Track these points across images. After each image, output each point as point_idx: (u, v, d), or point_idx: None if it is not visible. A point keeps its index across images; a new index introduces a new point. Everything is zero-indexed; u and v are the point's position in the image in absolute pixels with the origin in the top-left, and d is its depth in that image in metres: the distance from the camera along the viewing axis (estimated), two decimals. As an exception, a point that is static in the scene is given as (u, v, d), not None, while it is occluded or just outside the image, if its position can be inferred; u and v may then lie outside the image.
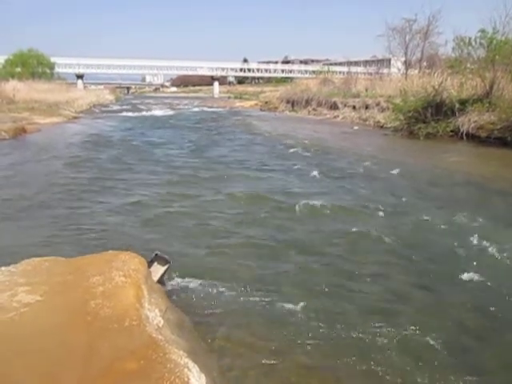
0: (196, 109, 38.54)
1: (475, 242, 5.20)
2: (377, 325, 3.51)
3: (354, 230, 5.78)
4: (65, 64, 71.35)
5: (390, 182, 8.93)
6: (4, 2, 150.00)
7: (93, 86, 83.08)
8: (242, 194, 7.63)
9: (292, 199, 7.19)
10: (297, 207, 6.75)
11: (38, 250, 4.54)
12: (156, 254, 3.96)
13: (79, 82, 72.35)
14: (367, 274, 4.50)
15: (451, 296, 4.06)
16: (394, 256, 4.98)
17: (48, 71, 52.07)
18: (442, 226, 5.85)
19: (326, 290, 4.14)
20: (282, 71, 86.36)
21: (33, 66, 48.91)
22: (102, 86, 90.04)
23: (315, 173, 9.48)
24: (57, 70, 59.48)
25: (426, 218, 6.19)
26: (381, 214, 6.54)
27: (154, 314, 2.78)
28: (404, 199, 7.40)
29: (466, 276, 4.36)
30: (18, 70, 45.31)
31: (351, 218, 6.34)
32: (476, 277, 4.33)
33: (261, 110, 35.54)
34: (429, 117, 16.03)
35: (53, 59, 55.35)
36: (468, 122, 14.83)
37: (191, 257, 4.87)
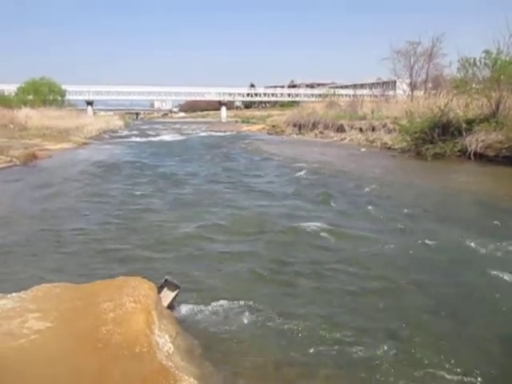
0: (204, 133, 38.96)
1: (488, 264, 5.12)
2: (392, 350, 3.45)
3: (362, 251, 5.74)
4: (75, 91, 72.90)
5: (399, 203, 8.87)
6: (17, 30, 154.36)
7: (102, 112, 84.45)
8: (250, 217, 7.63)
9: (299, 222, 7.17)
10: (305, 230, 6.73)
11: (48, 275, 4.56)
12: (166, 280, 3.95)
13: (89, 108, 73.76)
14: (377, 296, 4.44)
15: (468, 323, 3.98)
16: (405, 279, 4.90)
17: (59, 98, 53.15)
18: (453, 248, 5.79)
19: (338, 313, 4.09)
20: (289, 95, 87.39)
21: (44, 94, 49.98)
22: (111, 112, 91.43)
23: (322, 195, 9.47)
24: (67, 96, 60.70)
25: (435, 239, 6.13)
26: (390, 235, 6.49)
27: (164, 340, 2.76)
28: (413, 220, 7.34)
29: (481, 302, 4.29)
30: (30, 97, 46.31)
31: (360, 240, 6.28)
32: (493, 303, 4.25)
33: (268, 133, 35.84)
34: (436, 137, 16.05)
35: (64, 87, 56.60)
36: (475, 141, 14.83)
37: (201, 281, 4.85)
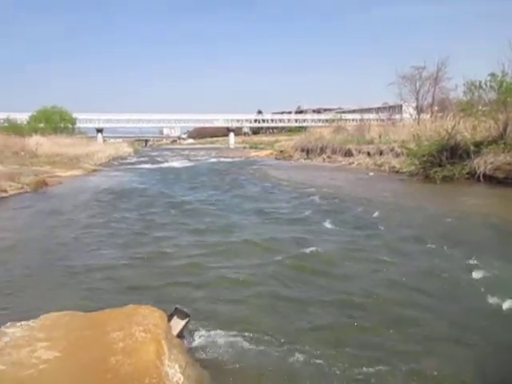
0: (213, 159, 39.25)
1: (502, 291, 5.02)
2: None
3: (372, 276, 5.66)
4: (86, 119, 74.30)
5: (409, 226, 8.79)
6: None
7: (112, 140, 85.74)
8: (259, 244, 7.58)
9: (310, 247, 7.10)
10: (315, 255, 6.67)
11: (56, 304, 4.53)
12: (176, 308, 3.91)
13: (99, 135, 74.95)
14: (391, 326, 4.34)
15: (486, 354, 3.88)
16: (419, 306, 4.81)
17: (70, 126, 54.16)
18: (466, 273, 5.68)
19: (352, 344, 3.99)
20: (296, 121, 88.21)
21: (55, 122, 50.99)
22: (120, 139, 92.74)
23: (332, 221, 9.41)
24: (78, 124, 61.84)
25: (448, 264, 6.04)
26: (400, 259, 6.41)
27: (174, 371, 2.71)
28: (424, 244, 7.24)
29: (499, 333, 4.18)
30: (42, 125, 47.22)
31: (369, 265, 6.21)
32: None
33: (276, 158, 36.02)
34: (444, 160, 16.01)
35: (75, 115, 57.72)
36: (484, 163, 14.78)
37: (211, 309, 4.79)
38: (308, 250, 6.94)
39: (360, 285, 5.46)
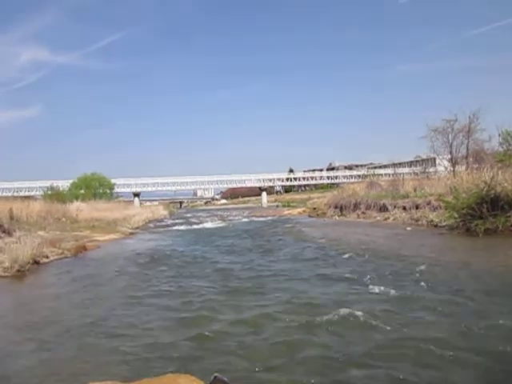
0: (246, 219, 39.45)
1: None
2: None
3: (419, 339, 5.32)
4: (123, 184, 77.39)
5: (454, 284, 8.34)
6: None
7: (148, 203, 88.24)
8: (297, 305, 7.37)
9: (348, 308, 6.81)
10: (354, 317, 6.37)
11: (97, 372, 4.46)
12: (215, 377, 3.76)
13: (136, 199, 77.56)
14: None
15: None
16: (471, 373, 4.45)
17: (108, 191, 56.41)
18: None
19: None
20: (328, 178, 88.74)
21: (95, 188, 53.33)
22: (156, 202, 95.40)
23: (371, 279, 9.08)
24: (116, 189, 64.36)
25: (500, 322, 5.63)
26: (447, 320, 6.03)
27: None
28: (472, 303, 6.82)
29: None
30: (82, 191, 49.42)
31: (414, 326, 5.87)
32: None
33: (309, 216, 35.84)
34: (485, 212, 15.46)
35: (113, 180, 60.28)
36: (529, 214, 14.18)
37: (252, 377, 4.58)
38: (346, 311, 6.65)
39: (403, 347, 5.14)
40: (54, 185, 48.75)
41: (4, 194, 64.10)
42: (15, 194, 61.46)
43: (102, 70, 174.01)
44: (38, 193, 60.17)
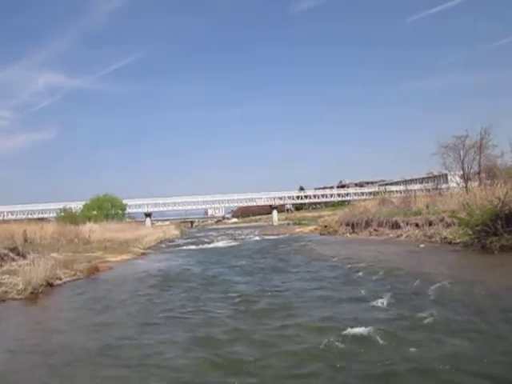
0: (257, 238, 39.33)
1: None
2: None
3: (437, 360, 5.20)
4: (135, 204, 77.99)
5: (470, 303, 8.18)
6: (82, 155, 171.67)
7: (159, 223, 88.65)
8: (311, 327, 7.31)
9: (362, 327, 6.73)
10: (368, 338, 6.30)
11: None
12: None
13: (147, 219, 77.93)
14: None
15: None
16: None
17: (120, 212, 56.81)
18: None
19: None
20: (338, 195, 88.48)
21: (107, 209, 53.76)
22: (167, 222, 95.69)
23: (384, 298, 8.95)
24: (128, 210, 64.84)
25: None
26: (467, 343, 5.89)
27: None
28: (490, 324, 6.67)
29: None
30: (94, 212, 49.84)
31: (432, 346, 5.75)
32: None
33: (320, 234, 35.65)
34: (500, 229, 15.22)
35: (125, 201, 60.74)
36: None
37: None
38: (360, 331, 6.58)
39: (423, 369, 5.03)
40: (67, 207, 49.34)
41: (19, 216, 64.95)
42: (29, 216, 62.29)
43: (114, 92, 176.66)
44: (51, 215, 60.88)
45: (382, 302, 8.73)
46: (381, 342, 6.17)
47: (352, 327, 6.86)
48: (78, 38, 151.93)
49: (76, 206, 55.18)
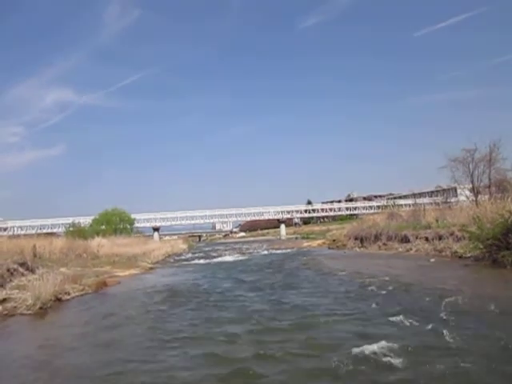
0: (265, 252, 39.15)
1: None
2: None
3: (451, 375, 5.09)
4: (143, 219, 78.23)
5: (484, 320, 8.03)
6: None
7: (167, 237, 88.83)
8: (322, 342, 7.23)
9: (372, 343, 6.62)
10: (385, 356, 6.19)
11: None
12: None
13: (155, 234, 78.08)
14: None
15: None
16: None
17: (128, 226, 56.98)
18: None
19: None
20: (347, 209, 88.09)
21: (115, 223, 53.94)
22: (175, 236, 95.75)
23: (395, 314, 8.81)
24: (136, 224, 65.03)
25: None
26: (479, 360, 5.77)
27: None
28: (505, 343, 6.52)
29: None
30: (103, 227, 50.03)
31: (447, 367, 5.63)
32: None
33: (329, 248, 35.42)
34: (511, 243, 15.02)
35: (133, 215, 60.95)
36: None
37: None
38: (370, 349, 6.46)
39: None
40: (76, 221, 49.60)
41: (28, 231, 65.32)
42: (39, 231, 62.65)
43: (123, 108, 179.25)
44: (60, 230, 61.25)
45: (393, 318, 8.59)
46: (394, 359, 6.06)
47: (364, 344, 6.76)
48: (88, 56, 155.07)
49: (85, 220, 55.45)
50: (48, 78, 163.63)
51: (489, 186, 28.76)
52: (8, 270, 14.53)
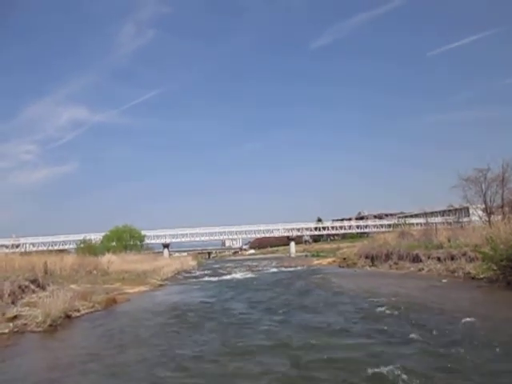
0: (275, 269, 38.90)
1: None
2: None
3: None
4: (153, 235, 78.43)
5: (498, 343, 7.84)
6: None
7: (177, 253, 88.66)
8: (331, 363, 7.14)
9: (389, 368, 6.51)
10: (397, 378, 6.08)
11: None
12: None
13: (165, 250, 78.15)
14: None
15: None
16: None
17: (138, 243, 57.18)
18: None
19: None
20: (357, 227, 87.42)
21: (126, 240, 54.16)
22: (185, 253, 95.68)
23: (408, 336, 8.70)
24: (146, 241, 65.26)
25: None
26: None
27: None
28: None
29: None
30: (113, 244, 50.27)
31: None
32: None
33: (339, 266, 35.10)
34: (526, 264, 14.79)
35: (143, 232, 61.16)
36: None
37: None
38: (384, 371, 6.35)
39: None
40: (87, 238, 49.96)
41: (40, 248, 65.81)
42: (50, 247, 63.14)
43: (135, 126, 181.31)
44: (71, 246, 61.64)
45: (405, 339, 8.48)
46: (406, 381, 5.95)
47: (376, 365, 6.66)
48: (103, 74, 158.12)
49: (95, 237, 55.86)
50: (63, 96, 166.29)
51: (502, 206, 28.43)
52: (19, 287, 14.61)
